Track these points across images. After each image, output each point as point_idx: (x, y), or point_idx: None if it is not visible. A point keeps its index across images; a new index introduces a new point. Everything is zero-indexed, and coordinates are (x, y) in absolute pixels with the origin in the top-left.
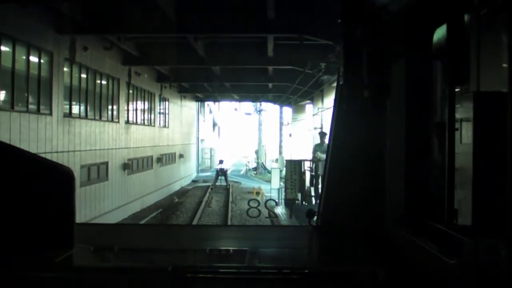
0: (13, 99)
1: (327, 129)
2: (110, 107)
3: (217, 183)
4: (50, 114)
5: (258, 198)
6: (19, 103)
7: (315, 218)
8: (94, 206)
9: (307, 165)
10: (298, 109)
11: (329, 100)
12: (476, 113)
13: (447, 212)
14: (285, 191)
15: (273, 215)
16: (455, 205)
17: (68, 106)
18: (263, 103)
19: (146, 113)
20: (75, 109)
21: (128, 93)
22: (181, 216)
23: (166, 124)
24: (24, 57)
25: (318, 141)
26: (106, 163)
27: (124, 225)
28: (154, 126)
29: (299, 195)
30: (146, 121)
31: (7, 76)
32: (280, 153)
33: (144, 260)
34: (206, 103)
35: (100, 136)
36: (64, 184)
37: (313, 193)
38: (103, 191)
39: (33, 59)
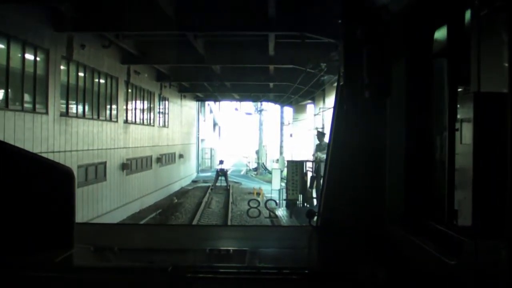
0: (7, 98)
1: (328, 129)
2: (108, 106)
3: (217, 184)
4: (46, 113)
5: (259, 199)
6: (14, 102)
7: (315, 218)
8: (92, 207)
9: (308, 166)
10: (299, 109)
11: (331, 100)
12: (477, 114)
13: (447, 213)
14: (286, 193)
15: (273, 216)
16: (455, 206)
17: (65, 105)
18: (264, 103)
19: (145, 112)
20: (72, 108)
21: (127, 92)
22: (180, 217)
23: (166, 123)
24: (19, 55)
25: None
26: (104, 163)
27: (124, 225)
28: (153, 125)
29: (300, 197)
30: (145, 121)
31: (1, 74)
32: (281, 153)
33: (144, 260)
34: (206, 102)
35: (98, 136)
36: (64, 183)
37: (314, 195)
38: (101, 192)
39: (29, 56)
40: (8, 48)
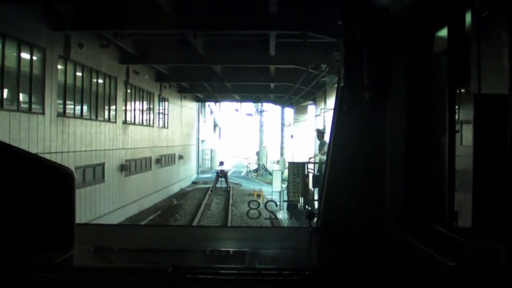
0: (2, 97)
1: (328, 130)
2: (107, 106)
3: (217, 185)
4: (43, 113)
5: (259, 201)
6: (9, 102)
7: (315, 219)
8: (90, 208)
9: (310, 168)
10: (300, 110)
11: (332, 100)
12: (477, 115)
13: (447, 214)
14: (288, 195)
15: (273, 217)
16: (455, 207)
17: (62, 105)
18: (265, 104)
19: (144, 113)
20: (70, 108)
21: (126, 92)
22: (179, 219)
23: (166, 124)
24: (14, 54)
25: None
26: (103, 165)
27: (124, 225)
28: (153, 126)
29: (302, 199)
30: (144, 122)
31: None
32: (282, 154)
33: (144, 261)
34: (207, 103)
35: (96, 137)
36: (64, 184)
37: (316, 197)
38: (99, 193)
39: (25, 55)
40: (3, 46)
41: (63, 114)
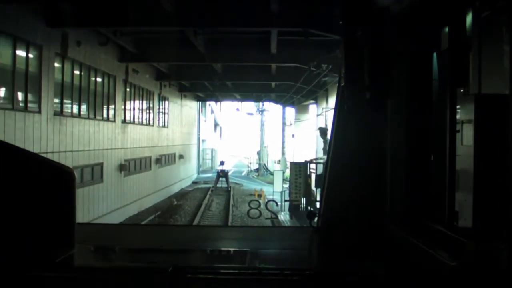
0: None
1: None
2: (105, 105)
3: (218, 185)
4: (39, 112)
5: (260, 201)
6: (4, 100)
7: (315, 219)
8: (88, 209)
9: (312, 168)
10: (301, 109)
11: (334, 100)
12: (477, 115)
13: (447, 214)
14: (289, 196)
15: (274, 217)
16: (456, 207)
17: (59, 104)
18: (266, 103)
19: (144, 112)
20: (67, 107)
21: (125, 91)
22: (179, 220)
23: (166, 124)
24: (9, 51)
25: (321, 142)
26: (101, 164)
27: (125, 225)
28: (152, 125)
29: (303, 200)
30: (144, 121)
31: None
32: (283, 154)
33: (145, 260)
34: (207, 103)
35: (95, 136)
36: (64, 183)
37: (318, 198)
38: (97, 194)
39: (20, 53)
40: None
41: (60, 113)
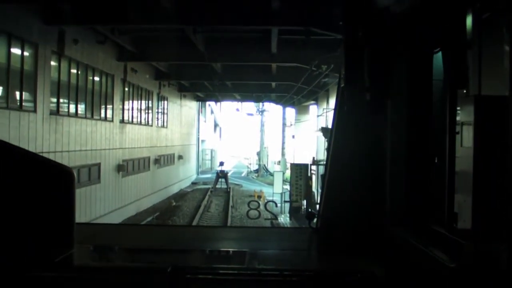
0: None
1: None
2: (103, 105)
3: (217, 186)
4: (34, 111)
5: (260, 201)
6: None
7: (314, 220)
8: (85, 210)
9: (313, 169)
10: (301, 110)
11: (335, 100)
12: (477, 117)
13: (447, 215)
14: (290, 197)
15: (273, 217)
16: (455, 208)
17: (55, 103)
18: (266, 104)
19: (143, 112)
20: (64, 106)
21: (124, 90)
22: (178, 221)
23: (165, 124)
24: (4, 49)
25: (321, 142)
26: (98, 165)
27: (124, 225)
28: (151, 126)
29: (304, 202)
30: (143, 121)
31: None
32: (283, 155)
33: (144, 260)
34: (207, 103)
35: (92, 136)
36: (64, 183)
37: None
38: (94, 194)
39: (15, 51)
40: None
41: (56, 112)
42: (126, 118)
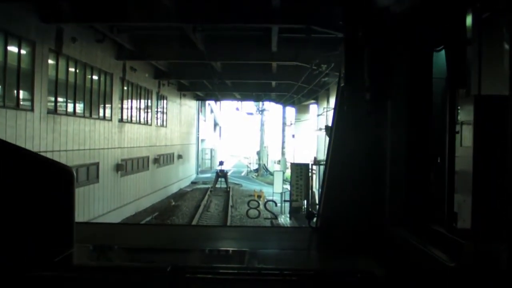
0: None
1: None
2: (102, 104)
3: (217, 185)
4: (32, 110)
5: (260, 201)
6: None
7: (314, 219)
8: (83, 210)
9: (313, 168)
10: (301, 109)
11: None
12: (477, 116)
13: (447, 215)
14: (290, 197)
15: (273, 217)
16: (455, 208)
17: (53, 102)
18: (266, 103)
19: (142, 111)
20: (62, 105)
21: (122, 89)
22: (177, 221)
23: (164, 123)
24: (1, 47)
25: (322, 142)
26: (97, 164)
27: (124, 224)
28: (150, 125)
29: (305, 203)
30: (142, 120)
31: None
32: (283, 154)
33: (144, 260)
34: (207, 102)
35: (90, 135)
36: (63, 182)
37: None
38: (92, 194)
39: (12, 49)
40: None
41: (54, 111)
42: (125, 117)
